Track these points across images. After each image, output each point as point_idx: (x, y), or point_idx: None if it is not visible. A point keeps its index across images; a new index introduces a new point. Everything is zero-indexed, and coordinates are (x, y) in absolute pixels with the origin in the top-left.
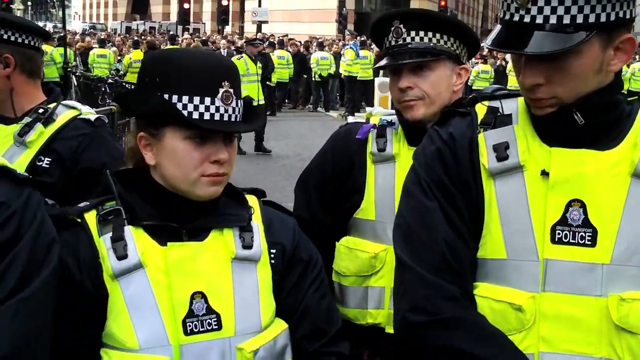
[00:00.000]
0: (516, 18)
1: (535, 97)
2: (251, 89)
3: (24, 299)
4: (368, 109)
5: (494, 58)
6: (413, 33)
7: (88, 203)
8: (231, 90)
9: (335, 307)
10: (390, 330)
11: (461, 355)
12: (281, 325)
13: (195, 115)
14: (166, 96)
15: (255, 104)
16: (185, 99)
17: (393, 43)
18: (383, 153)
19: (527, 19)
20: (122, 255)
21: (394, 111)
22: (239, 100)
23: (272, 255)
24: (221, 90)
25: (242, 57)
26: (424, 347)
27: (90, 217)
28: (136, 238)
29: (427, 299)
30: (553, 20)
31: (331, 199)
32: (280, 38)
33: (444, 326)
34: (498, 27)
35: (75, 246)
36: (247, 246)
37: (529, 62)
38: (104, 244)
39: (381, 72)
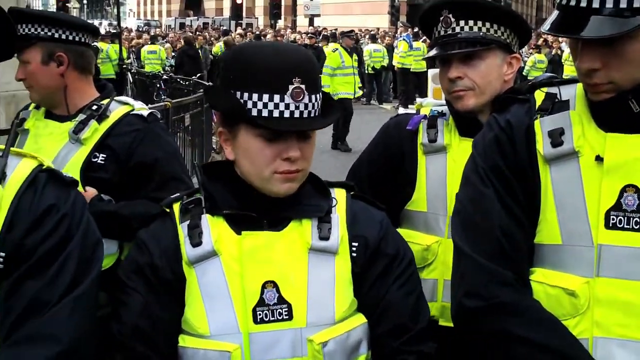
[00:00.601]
0: (573, 3)
1: (592, 82)
2: (347, 81)
3: (78, 295)
4: (419, 99)
5: (549, 47)
6: (462, 22)
7: (179, 194)
8: (302, 87)
9: (424, 304)
10: (443, 323)
11: (516, 340)
12: (359, 320)
13: (265, 114)
14: (238, 94)
15: (350, 97)
16: (255, 96)
17: (442, 33)
18: (434, 144)
19: (583, 4)
20: (196, 243)
21: (444, 102)
22: (313, 96)
23: (354, 248)
24: (291, 87)
25: (337, 49)
26: (479, 332)
27: (177, 207)
28: (213, 226)
29: (481, 284)
30: (610, 4)
31: (382, 190)
32: (333, 31)
33: (498, 311)
34: (555, 12)
35: (160, 235)
36: (324, 237)
37: (586, 46)
38: (182, 231)
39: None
